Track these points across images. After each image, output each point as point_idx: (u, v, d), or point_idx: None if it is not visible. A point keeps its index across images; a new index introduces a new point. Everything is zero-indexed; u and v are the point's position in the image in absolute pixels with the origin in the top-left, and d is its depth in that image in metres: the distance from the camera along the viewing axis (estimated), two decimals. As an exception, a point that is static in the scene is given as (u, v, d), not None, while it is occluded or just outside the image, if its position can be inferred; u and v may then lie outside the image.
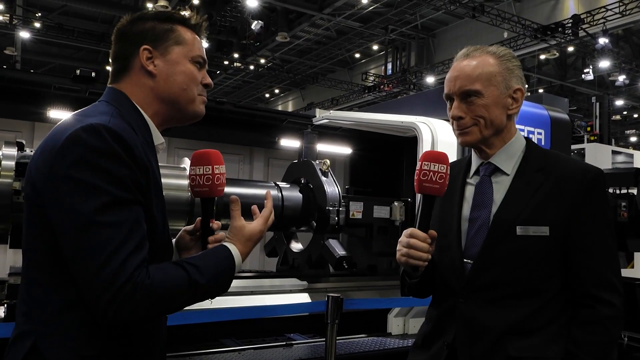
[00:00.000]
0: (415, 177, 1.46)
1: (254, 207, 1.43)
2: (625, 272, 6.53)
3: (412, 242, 1.43)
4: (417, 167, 1.45)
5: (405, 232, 1.46)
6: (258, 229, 1.38)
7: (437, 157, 1.44)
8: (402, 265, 1.50)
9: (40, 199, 1.15)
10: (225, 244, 1.33)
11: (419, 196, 1.53)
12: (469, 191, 1.59)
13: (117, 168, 1.13)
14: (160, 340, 1.33)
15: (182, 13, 1.40)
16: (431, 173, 1.43)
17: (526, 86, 1.65)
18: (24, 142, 2.73)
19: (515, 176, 1.53)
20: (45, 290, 1.17)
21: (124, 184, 1.14)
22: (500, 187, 1.53)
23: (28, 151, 2.70)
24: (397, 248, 1.47)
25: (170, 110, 1.36)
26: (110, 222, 1.10)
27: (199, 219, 1.42)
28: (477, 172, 1.60)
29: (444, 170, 1.43)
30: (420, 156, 1.47)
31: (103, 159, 1.12)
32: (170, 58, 1.34)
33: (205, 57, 1.42)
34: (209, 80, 1.42)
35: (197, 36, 1.41)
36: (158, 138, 1.36)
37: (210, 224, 1.40)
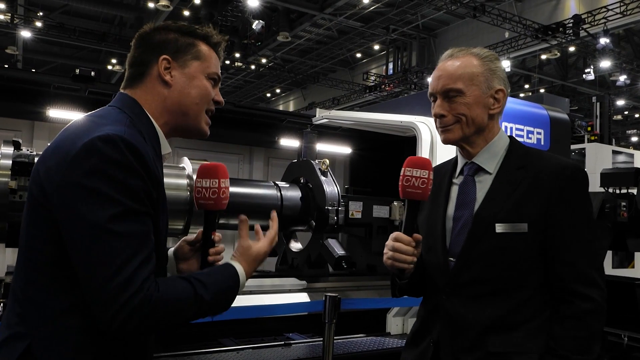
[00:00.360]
0: (399, 183, 1.49)
1: (257, 227, 1.44)
2: (626, 272, 6.54)
3: (397, 245, 1.47)
4: (401, 173, 1.49)
5: (391, 235, 1.50)
6: (264, 250, 1.41)
7: (420, 162, 1.48)
8: (389, 269, 1.54)
9: (48, 202, 1.15)
10: (231, 262, 1.35)
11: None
12: (454, 191, 1.62)
13: (131, 180, 1.14)
14: (150, 346, 1.34)
15: (205, 30, 1.42)
16: (414, 179, 1.47)
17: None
18: (20, 141, 2.73)
19: (496, 175, 1.55)
20: (44, 292, 1.16)
21: (137, 195, 1.15)
22: (482, 186, 1.56)
23: (24, 150, 2.69)
24: (384, 251, 1.51)
25: (178, 121, 1.38)
26: (122, 232, 1.11)
27: (200, 230, 1.44)
28: (462, 172, 1.63)
29: (426, 176, 1.47)
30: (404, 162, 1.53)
31: (118, 170, 1.13)
32: (187, 71, 1.36)
33: (220, 75, 1.45)
34: (220, 98, 1.44)
35: (215, 53, 1.43)
36: (166, 147, 1.37)
37: (212, 236, 1.42)
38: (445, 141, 1.59)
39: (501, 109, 1.59)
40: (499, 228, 1.47)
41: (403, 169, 1.49)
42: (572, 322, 1.43)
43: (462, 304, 1.50)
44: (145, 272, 1.12)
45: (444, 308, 1.53)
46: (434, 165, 1.58)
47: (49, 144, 1.26)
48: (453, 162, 1.69)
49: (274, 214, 1.48)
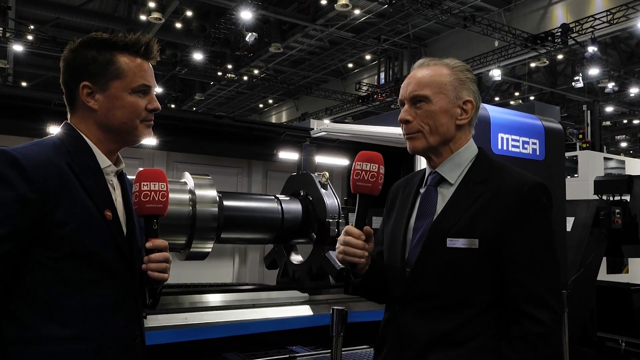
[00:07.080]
0: (351, 178, 1.48)
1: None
2: (620, 277, 6.60)
3: (346, 239, 1.44)
4: (352, 168, 1.48)
5: (344, 229, 1.48)
6: None
7: (370, 157, 1.46)
8: (341, 263, 1.51)
9: None
10: None
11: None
12: (419, 201, 1.58)
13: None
14: None
15: (127, 38, 1.41)
16: (363, 172, 1.45)
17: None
18: None
19: (457, 187, 1.51)
20: None
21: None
22: (443, 197, 1.52)
23: None
24: (337, 246, 1.48)
25: (114, 138, 1.43)
26: None
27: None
28: (426, 182, 1.59)
29: (376, 170, 1.44)
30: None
31: None
32: (109, 93, 1.39)
33: (150, 81, 1.44)
34: (155, 105, 1.45)
35: (141, 60, 1.42)
36: (104, 162, 1.41)
37: (148, 242, 1.42)
38: (411, 150, 1.56)
39: (469, 119, 1.54)
40: (450, 242, 1.43)
41: (354, 163, 1.47)
42: (520, 343, 1.37)
43: (412, 317, 1.46)
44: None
45: (395, 320, 1.51)
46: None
47: None
48: (422, 172, 1.64)
49: None
